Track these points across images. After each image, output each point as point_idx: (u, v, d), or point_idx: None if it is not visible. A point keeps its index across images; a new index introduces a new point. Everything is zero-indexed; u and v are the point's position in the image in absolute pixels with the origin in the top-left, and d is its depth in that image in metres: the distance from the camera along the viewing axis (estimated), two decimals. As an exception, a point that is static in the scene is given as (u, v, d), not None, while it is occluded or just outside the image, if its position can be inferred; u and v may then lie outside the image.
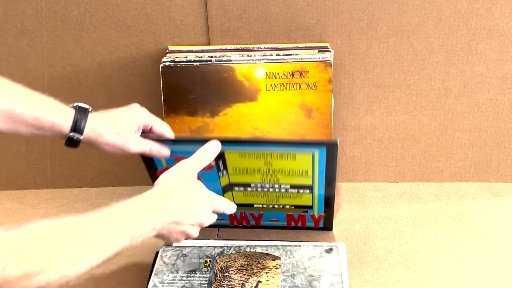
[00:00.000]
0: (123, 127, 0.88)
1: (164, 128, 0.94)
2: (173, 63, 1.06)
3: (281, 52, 1.08)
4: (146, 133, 0.93)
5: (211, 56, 1.07)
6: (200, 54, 1.08)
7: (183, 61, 1.06)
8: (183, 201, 0.79)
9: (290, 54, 1.06)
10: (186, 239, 0.83)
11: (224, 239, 1.06)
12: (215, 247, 1.01)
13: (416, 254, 1.02)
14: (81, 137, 0.83)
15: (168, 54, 1.10)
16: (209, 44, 1.16)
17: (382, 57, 1.16)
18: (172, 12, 1.14)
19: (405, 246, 1.05)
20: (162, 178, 0.82)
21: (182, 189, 0.80)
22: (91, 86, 1.21)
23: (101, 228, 0.70)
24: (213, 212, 0.84)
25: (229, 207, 0.87)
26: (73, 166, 1.28)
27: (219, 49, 1.12)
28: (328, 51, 1.08)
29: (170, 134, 0.94)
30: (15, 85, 0.78)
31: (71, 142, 0.84)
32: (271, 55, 1.06)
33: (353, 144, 1.24)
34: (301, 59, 1.05)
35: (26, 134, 0.80)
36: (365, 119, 1.21)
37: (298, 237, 1.07)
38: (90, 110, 0.86)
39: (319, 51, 1.08)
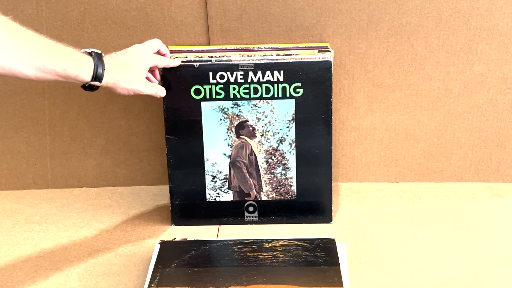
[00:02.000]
0: (135, 72, 0.98)
1: (166, 62, 1.05)
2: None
3: (281, 52, 1.08)
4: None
5: (211, 56, 1.07)
6: (200, 54, 1.08)
7: (183, 61, 1.06)
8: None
9: (290, 54, 1.06)
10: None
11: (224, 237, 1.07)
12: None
13: (416, 254, 1.02)
14: (100, 84, 0.93)
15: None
16: (209, 44, 1.16)
17: (382, 57, 1.16)
18: (172, 12, 1.14)
19: (405, 246, 1.05)
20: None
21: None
22: (91, 86, 1.21)
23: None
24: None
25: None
26: (73, 166, 1.28)
27: (219, 49, 1.12)
28: (328, 51, 1.08)
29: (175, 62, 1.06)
30: (42, 37, 0.84)
31: (91, 88, 0.93)
32: (271, 55, 1.06)
33: (353, 144, 1.24)
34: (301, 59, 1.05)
35: (52, 80, 0.87)
36: (365, 119, 1.21)
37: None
38: (103, 55, 0.94)
39: (319, 51, 1.08)
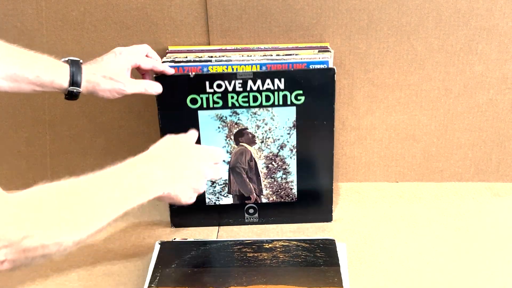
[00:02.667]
0: (114, 71, 0.94)
1: (152, 64, 0.99)
2: (173, 63, 1.06)
3: (281, 52, 1.07)
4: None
5: (211, 56, 1.07)
6: (200, 54, 1.08)
7: (183, 61, 1.06)
8: (180, 155, 0.83)
9: (290, 54, 1.06)
10: (198, 193, 0.85)
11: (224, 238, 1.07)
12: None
13: (416, 254, 1.02)
14: (80, 90, 0.89)
15: (168, 54, 1.10)
16: (209, 44, 1.16)
17: (382, 57, 1.16)
18: (172, 12, 1.14)
19: (405, 246, 1.05)
20: (152, 147, 0.85)
21: (177, 147, 0.85)
22: (91, 86, 1.21)
23: (101, 190, 0.71)
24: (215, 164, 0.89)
25: (221, 154, 0.92)
26: (73, 166, 1.28)
27: (219, 49, 1.12)
28: (328, 51, 1.08)
29: (161, 67, 1.00)
30: (13, 46, 0.82)
31: (72, 96, 0.90)
32: (271, 55, 1.06)
33: (353, 144, 1.24)
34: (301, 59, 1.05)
35: (28, 91, 0.84)
36: (365, 119, 1.21)
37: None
38: (81, 62, 0.92)
39: (319, 51, 1.08)
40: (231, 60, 1.05)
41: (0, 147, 1.27)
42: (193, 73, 1.02)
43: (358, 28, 1.13)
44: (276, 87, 1.03)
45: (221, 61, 1.05)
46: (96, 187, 0.71)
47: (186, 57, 1.07)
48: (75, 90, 0.89)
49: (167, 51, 1.13)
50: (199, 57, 1.06)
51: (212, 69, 1.04)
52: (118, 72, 0.95)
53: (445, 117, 1.21)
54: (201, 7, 1.13)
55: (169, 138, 0.87)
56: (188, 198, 0.84)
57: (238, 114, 1.05)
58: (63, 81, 0.88)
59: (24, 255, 0.61)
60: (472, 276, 0.96)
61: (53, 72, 0.87)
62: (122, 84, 0.95)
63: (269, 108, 1.05)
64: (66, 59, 0.91)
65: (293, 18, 1.13)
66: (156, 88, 1.00)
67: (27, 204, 0.64)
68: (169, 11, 1.14)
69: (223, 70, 1.04)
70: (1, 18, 1.15)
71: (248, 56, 1.07)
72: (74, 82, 0.89)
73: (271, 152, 1.08)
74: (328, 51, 1.08)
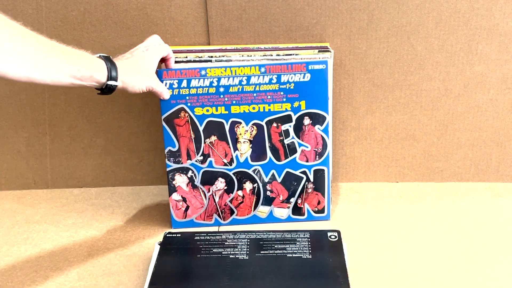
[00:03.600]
0: (146, 69, 0.99)
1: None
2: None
3: (281, 52, 1.07)
4: None
5: (211, 56, 1.07)
6: (200, 54, 1.08)
7: (183, 61, 1.06)
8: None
9: (290, 54, 1.06)
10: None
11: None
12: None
13: (416, 254, 1.02)
14: (117, 84, 0.93)
15: (168, 54, 1.10)
16: (209, 44, 1.16)
17: (382, 57, 1.16)
18: (172, 12, 1.14)
19: (405, 246, 1.05)
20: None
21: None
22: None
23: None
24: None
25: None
26: (73, 166, 1.28)
27: (219, 49, 1.12)
28: (328, 51, 1.08)
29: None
30: (53, 42, 0.84)
31: (109, 90, 0.93)
32: (271, 55, 1.06)
33: (353, 144, 1.24)
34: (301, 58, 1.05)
35: (67, 84, 0.86)
36: (365, 119, 1.21)
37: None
38: (111, 58, 0.95)
39: (319, 51, 1.08)
40: (231, 60, 1.05)
41: (0, 147, 1.27)
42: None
43: (358, 28, 1.13)
44: None
45: (221, 61, 1.05)
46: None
47: (186, 57, 1.07)
48: (113, 84, 0.92)
49: (167, 51, 1.13)
50: (199, 57, 1.07)
51: (211, 71, 1.03)
52: (149, 69, 0.99)
53: (445, 117, 1.21)
54: (201, 7, 1.13)
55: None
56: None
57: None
58: (102, 76, 0.90)
59: None
60: (472, 276, 0.96)
61: (92, 67, 0.89)
62: (153, 82, 1.00)
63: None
64: (98, 55, 0.92)
65: (293, 18, 1.13)
66: (167, 95, 1.04)
67: None
68: (169, 11, 1.14)
69: (221, 72, 1.04)
70: (1, 18, 1.15)
71: (248, 56, 1.07)
72: (112, 76, 0.91)
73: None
74: (328, 51, 1.08)
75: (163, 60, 1.05)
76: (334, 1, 1.11)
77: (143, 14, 1.14)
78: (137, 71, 0.97)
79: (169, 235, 1.02)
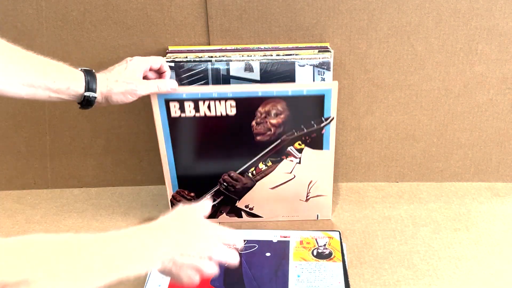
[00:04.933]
0: (126, 75, 0.95)
1: (163, 65, 1.01)
2: (173, 63, 1.06)
3: (281, 52, 1.07)
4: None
5: (211, 56, 1.07)
6: (200, 54, 1.08)
7: (183, 61, 1.06)
8: (188, 231, 0.75)
9: (290, 54, 1.06)
10: (201, 275, 0.75)
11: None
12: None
13: (416, 254, 1.02)
14: (96, 95, 0.90)
15: (168, 54, 1.10)
16: (209, 44, 1.16)
17: (382, 57, 1.16)
18: (172, 12, 1.14)
19: (405, 246, 1.05)
20: (162, 217, 0.77)
21: (186, 220, 0.77)
22: (91, 86, 1.21)
23: (98, 251, 0.66)
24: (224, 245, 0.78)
25: (238, 239, 0.80)
26: (73, 166, 1.28)
27: (219, 49, 1.12)
28: (328, 51, 1.08)
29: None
30: (29, 53, 0.82)
31: (87, 102, 0.90)
32: (271, 55, 1.06)
33: (353, 144, 1.24)
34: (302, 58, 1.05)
35: (44, 98, 0.84)
36: (365, 119, 1.21)
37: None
38: (93, 71, 0.93)
39: (319, 51, 1.08)
40: (231, 60, 1.05)
41: (0, 147, 1.27)
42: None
43: (358, 28, 1.13)
44: None
45: (221, 61, 1.05)
46: (96, 247, 0.66)
47: (186, 57, 1.07)
48: (91, 95, 0.90)
49: (167, 51, 1.13)
50: (199, 57, 1.07)
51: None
52: (129, 75, 0.95)
53: (445, 117, 1.21)
54: (201, 7, 1.13)
55: (181, 209, 0.79)
56: (188, 277, 0.74)
57: None
58: (79, 88, 0.89)
59: None
60: (472, 276, 0.96)
61: (69, 79, 0.87)
62: (134, 85, 0.95)
63: None
64: (79, 69, 0.91)
65: (293, 18, 1.13)
66: (170, 84, 1.00)
67: (18, 249, 0.61)
68: (169, 11, 1.14)
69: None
70: (1, 18, 1.15)
71: (248, 56, 1.07)
72: (90, 88, 0.89)
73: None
74: (328, 51, 1.08)
75: (158, 73, 1.03)
76: (334, 1, 1.11)
77: (143, 14, 1.14)
78: (119, 78, 0.94)
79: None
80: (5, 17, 1.15)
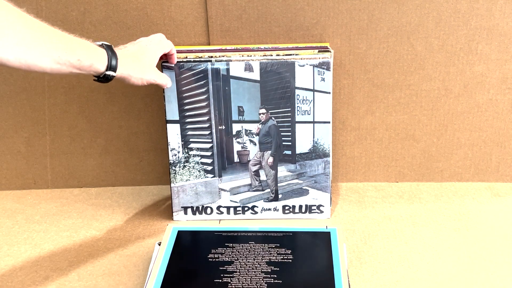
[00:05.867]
0: (147, 62, 0.98)
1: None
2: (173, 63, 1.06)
3: (281, 52, 1.08)
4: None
5: (211, 56, 1.07)
6: (200, 54, 1.08)
7: (183, 61, 1.06)
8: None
9: (290, 54, 1.06)
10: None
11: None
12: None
13: (416, 254, 1.02)
14: (115, 74, 0.92)
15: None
16: (209, 44, 1.16)
17: (382, 57, 1.16)
18: (172, 12, 1.14)
19: (405, 246, 1.05)
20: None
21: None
22: (91, 86, 1.21)
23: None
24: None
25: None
26: (73, 166, 1.28)
27: (219, 49, 1.12)
28: (328, 51, 1.08)
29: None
30: (56, 30, 0.83)
31: (106, 79, 0.92)
32: (271, 55, 1.06)
33: (353, 144, 1.24)
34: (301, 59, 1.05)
35: (65, 73, 0.86)
36: (365, 119, 1.21)
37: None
38: (113, 47, 0.94)
39: (319, 51, 1.08)
40: (231, 60, 1.05)
41: (0, 147, 1.27)
42: None
43: (358, 28, 1.13)
44: None
45: (221, 61, 1.05)
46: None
47: (186, 57, 1.07)
48: (111, 74, 0.91)
49: (167, 51, 1.13)
50: (199, 57, 1.07)
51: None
52: (150, 62, 0.99)
53: (445, 117, 1.21)
54: (201, 7, 1.13)
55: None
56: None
57: None
58: (101, 65, 0.89)
59: None
60: (472, 276, 0.96)
61: (93, 56, 0.88)
62: (154, 75, 0.98)
63: None
64: (100, 43, 0.92)
65: (293, 18, 1.13)
66: (169, 83, 1.04)
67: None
68: (169, 11, 1.14)
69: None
70: (1, 18, 1.15)
71: (248, 56, 1.07)
72: (112, 66, 0.91)
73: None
74: (328, 51, 1.08)
75: (166, 56, 1.05)
76: (334, 1, 1.11)
77: (143, 14, 1.14)
78: (137, 63, 0.96)
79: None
80: (5, 17, 1.15)
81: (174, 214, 1.15)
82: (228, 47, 1.13)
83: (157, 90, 1.16)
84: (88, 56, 0.87)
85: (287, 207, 1.14)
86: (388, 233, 1.09)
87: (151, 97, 1.20)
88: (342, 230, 1.05)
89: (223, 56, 1.07)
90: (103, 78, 0.91)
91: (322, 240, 1.01)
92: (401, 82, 1.18)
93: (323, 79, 1.06)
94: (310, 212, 1.14)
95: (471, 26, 1.12)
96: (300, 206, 1.14)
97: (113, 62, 0.91)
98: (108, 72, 0.90)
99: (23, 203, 1.25)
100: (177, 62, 1.06)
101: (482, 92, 1.18)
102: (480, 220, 1.12)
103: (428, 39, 1.14)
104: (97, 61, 0.89)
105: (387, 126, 1.22)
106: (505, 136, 1.22)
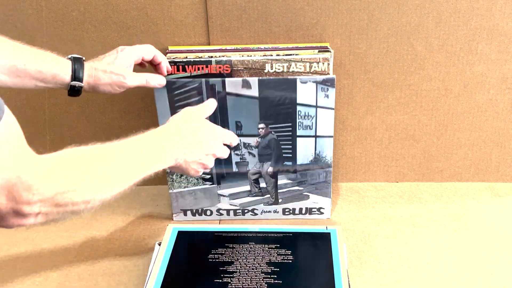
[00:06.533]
0: (115, 66, 0.94)
1: (153, 55, 1.00)
2: (173, 63, 1.06)
3: (281, 52, 1.07)
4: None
5: (211, 56, 1.06)
6: (200, 54, 1.08)
7: (183, 61, 1.06)
8: (196, 132, 0.87)
9: (290, 54, 1.06)
10: (204, 169, 0.90)
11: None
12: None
13: (416, 254, 1.02)
14: (82, 85, 0.90)
15: (168, 54, 1.10)
16: (209, 44, 1.16)
17: (382, 57, 1.16)
18: (172, 12, 1.14)
19: (405, 246, 1.05)
20: (172, 119, 0.89)
21: (193, 123, 0.89)
22: (91, 86, 1.21)
23: (126, 155, 0.78)
24: (224, 145, 0.92)
25: (234, 138, 0.94)
26: (73, 166, 1.28)
27: (219, 49, 1.12)
28: (328, 51, 1.08)
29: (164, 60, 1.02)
30: (15, 42, 0.83)
31: (74, 91, 0.90)
32: (271, 55, 1.06)
33: (353, 144, 1.24)
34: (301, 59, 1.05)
35: (31, 87, 0.85)
36: (365, 119, 1.21)
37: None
38: (84, 59, 0.92)
39: (319, 51, 1.07)
40: (231, 60, 1.05)
41: (0, 147, 1.27)
42: None
43: (358, 28, 1.13)
44: None
45: (221, 61, 1.05)
46: (121, 152, 0.78)
47: (186, 57, 1.07)
48: (77, 85, 0.90)
49: (167, 51, 1.13)
50: (199, 57, 1.06)
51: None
52: (118, 66, 0.94)
53: (445, 117, 1.21)
54: (201, 7, 1.13)
55: (188, 110, 0.91)
56: (195, 171, 0.89)
57: None
58: (65, 76, 0.88)
59: (56, 209, 0.67)
60: (472, 276, 0.96)
61: (55, 67, 0.87)
62: (122, 77, 0.94)
63: None
64: (69, 56, 0.91)
65: (293, 18, 1.13)
66: (159, 80, 1.00)
67: (60, 163, 0.69)
68: (169, 11, 1.14)
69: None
70: (1, 18, 1.15)
71: (248, 56, 1.06)
72: (76, 77, 0.89)
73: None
74: (328, 51, 1.08)
75: (153, 66, 1.02)
76: (334, 1, 1.11)
77: (143, 14, 1.14)
78: (107, 68, 0.93)
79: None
80: (5, 17, 1.15)
81: (174, 215, 1.15)
82: (228, 47, 1.13)
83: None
84: (50, 67, 0.86)
85: (287, 209, 1.14)
86: (388, 233, 1.09)
87: (151, 97, 1.20)
88: (342, 231, 1.05)
89: (223, 56, 1.07)
90: (70, 91, 0.90)
91: (322, 240, 1.01)
92: (401, 82, 1.18)
93: (326, 96, 1.04)
94: (310, 213, 1.14)
95: (471, 26, 1.12)
96: (300, 209, 1.14)
97: (79, 73, 0.89)
98: (73, 83, 0.89)
99: (23, 203, 1.24)
100: (169, 80, 1.03)
101: (482, 92, 1.18)
102: (480, 220, 1.12)
103: (428, 39, 1.14)
104: (61, 72, 0.87)
105: (387, 126, 1.22)
106: (505, 136, 1.22)
